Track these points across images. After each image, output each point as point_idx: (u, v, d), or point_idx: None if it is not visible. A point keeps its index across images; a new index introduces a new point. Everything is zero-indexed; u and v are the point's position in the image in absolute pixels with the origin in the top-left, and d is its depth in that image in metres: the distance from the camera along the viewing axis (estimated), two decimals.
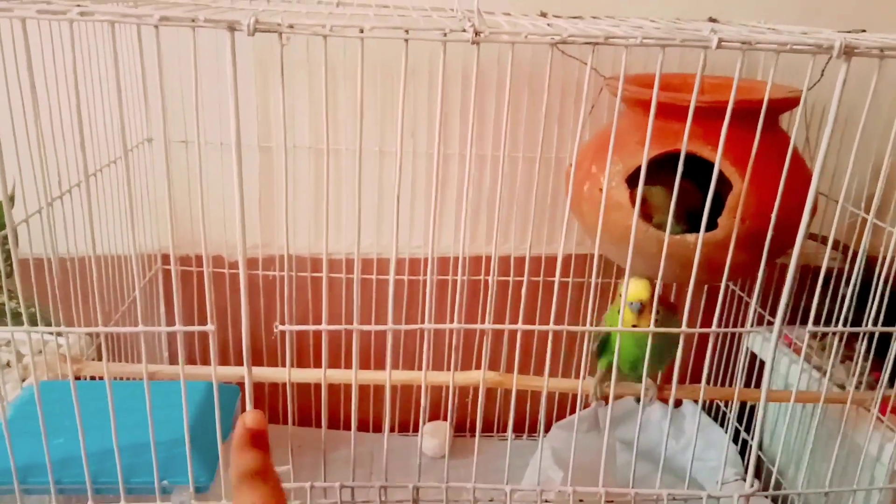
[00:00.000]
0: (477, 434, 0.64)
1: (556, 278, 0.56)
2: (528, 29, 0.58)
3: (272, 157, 0.96)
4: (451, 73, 0.94)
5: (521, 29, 0.45)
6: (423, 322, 0.51)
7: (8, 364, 0.85)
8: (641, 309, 0.65)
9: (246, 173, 0.93)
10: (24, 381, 0.74)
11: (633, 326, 0.65)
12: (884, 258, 0.64)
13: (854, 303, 0.67)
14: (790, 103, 0.77)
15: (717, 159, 0.51)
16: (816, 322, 0.68)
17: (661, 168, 0.73)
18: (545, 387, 0.61)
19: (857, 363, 0.73)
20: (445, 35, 0.42)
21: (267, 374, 0.54)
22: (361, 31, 0.41)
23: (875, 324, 0.64)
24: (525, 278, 0.58)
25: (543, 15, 0.89)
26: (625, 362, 0.71)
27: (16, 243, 0.55)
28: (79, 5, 0.44)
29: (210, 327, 0.46)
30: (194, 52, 0.40)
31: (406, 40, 0.42)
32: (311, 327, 0.48)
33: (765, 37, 0.46)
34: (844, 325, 0.65)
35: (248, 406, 0.48)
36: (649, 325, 0.62)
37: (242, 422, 0.31)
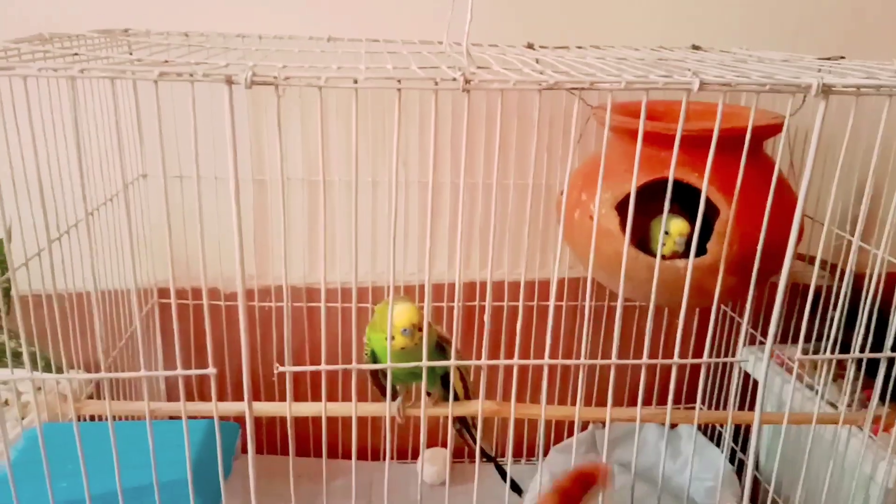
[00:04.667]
0: (476, 464, 0.64)
1: (551, 303, 0.57)
2: (516, 67, 0.59)
3: (265, 190, 0.97)
4: (441, 103, 0.95)
5: (510, 74, 0.46)
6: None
7: (6, 402, 0.85)
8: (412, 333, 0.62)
9: (243, 207, 0.95)
10: (23, 419, 0.74)
11: (402, 349, 0.62)
12: (870, 277, 0.65)
13: (843, 324, 0.68)
14: (773, 130, 0.79)
15: (704, 187, 0.52)
16: (807, 340, 0.69)
17: (651, 195, 0.74)
18: (542, 415, 0.61)
19: (848, 382, 0.74)
20: (437, 84, 0.43)
21: (267, 409, 0.55)
22: (355, 82, 0.42)
23: (863, 347, 0.65)
24: (520, 303, 0.60)
25: (530, 46, 0.91)
26: (397, 380, 0.70)
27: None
28: (79, 59, 0.45)
29: (211, 370, 0.47)
30: (193, 104, 0.41)
31: (399, 89, 0.43)
32: (311, 368, 0.49)
33: (745, 78, 0.48)
34: (833, 348, 0.66)
35: (250, 441, 0.49)
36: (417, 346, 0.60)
37: (595, 467, 0.32)
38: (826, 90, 0.46)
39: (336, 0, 0.94)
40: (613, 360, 0.65)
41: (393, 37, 0.91)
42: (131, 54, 0.75)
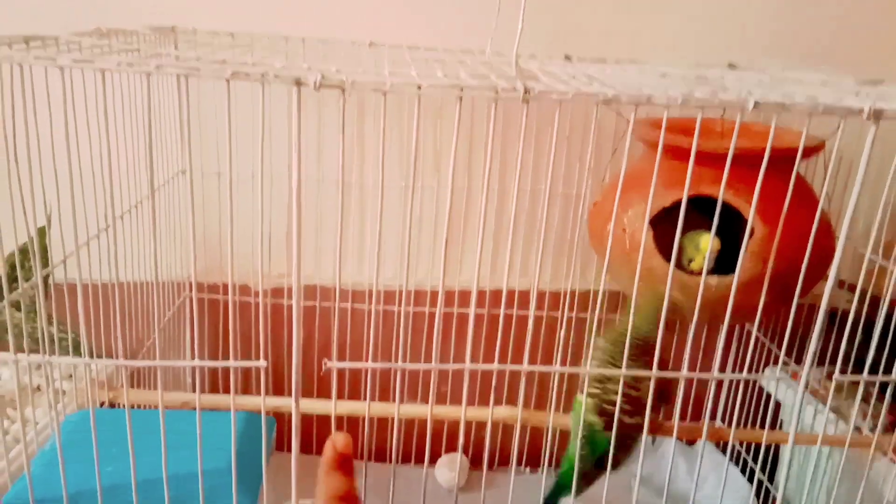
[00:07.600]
0: (484, 467, 0.65)
1: (594, 315, 0.58)
2: (562, 80, 0.60)
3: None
4: (480, 113, 0.97)
5: (570, 85, 0.47)
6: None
7: (38, 388, 0.87)
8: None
9: (276, 205, 0.96)
10: (57, 405, 0.76)
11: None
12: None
13: (874, 346, 0.69)
14: (811, 151, 0.79)
15: (753, 207, 0.53)
16: (832, 363, 0.69)
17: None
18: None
19: (872, 406, 0.74)
20: (497, 93, 0.44)
21: (312, 406, 0.56)
22: (419, 88, 0.43)
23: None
24: (571, 312, 0.60)
25: (568, 59, 0.92)
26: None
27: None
28: (147, 55, 0.47)
29: (262, 363, 0.48)
30: (262, 103, 0.43)
31: (460, 97, 0.44)
32: (358, 364, 0.50)
33: (798, 98, 0.48)
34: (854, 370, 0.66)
35: (295, 437, 0.50)
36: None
37: (332, 444, 0.31)
38: (877, 115, 0.47)
39: (374, 8, 0.96)
40: (654, 372, 0.65)
41: (431, 45, 0.92)
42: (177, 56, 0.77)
